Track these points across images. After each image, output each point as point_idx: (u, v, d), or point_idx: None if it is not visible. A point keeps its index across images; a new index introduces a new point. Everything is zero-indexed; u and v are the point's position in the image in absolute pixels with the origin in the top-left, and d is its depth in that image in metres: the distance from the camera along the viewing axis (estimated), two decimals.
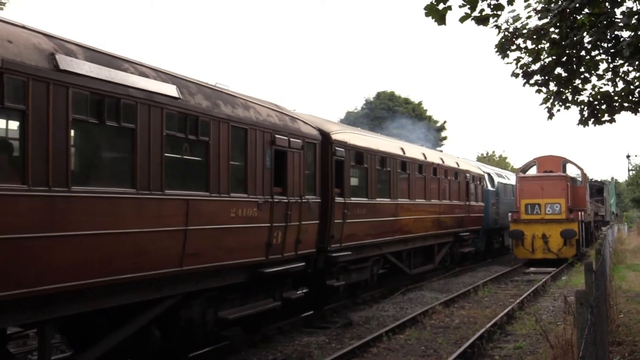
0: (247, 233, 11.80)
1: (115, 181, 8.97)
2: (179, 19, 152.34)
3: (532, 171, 32.50)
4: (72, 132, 8.24)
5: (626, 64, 10.92)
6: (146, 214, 9.31)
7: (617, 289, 17.89)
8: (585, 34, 10.49)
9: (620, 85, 11.70)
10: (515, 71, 11.74)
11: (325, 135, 15.36)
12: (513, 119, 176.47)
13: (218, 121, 10.99)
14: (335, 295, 16.96)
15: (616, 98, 11.73)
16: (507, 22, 11.07)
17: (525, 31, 11.06)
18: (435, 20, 9.30)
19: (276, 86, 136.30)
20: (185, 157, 10.49)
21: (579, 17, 10.47)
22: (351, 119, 54.02)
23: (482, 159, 71.75)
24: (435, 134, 57.46)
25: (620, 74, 11.55)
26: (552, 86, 11.73)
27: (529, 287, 21.60)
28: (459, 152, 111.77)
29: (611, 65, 11.34)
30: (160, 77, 10.08)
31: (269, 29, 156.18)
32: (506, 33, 11.16)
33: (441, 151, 29.46)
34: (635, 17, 9.80)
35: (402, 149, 20.41)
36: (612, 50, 10.64)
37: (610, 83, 11.75)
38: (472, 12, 9.79)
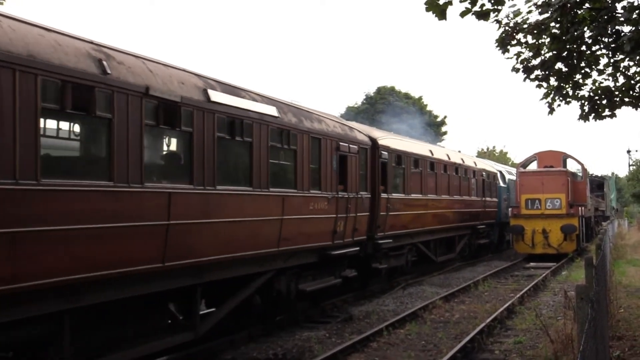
0: (319, 222, 14.67)
1: (240, 181, 11.80)
2: (179, 16, 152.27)
3: (533, 166, 32.50)
4: (217, 146, 10.86)
5: (627, 58, 10.92)
6: (258, 206, 12.13)
7: (618, 284, 17.92)
8: (585, 28, 10.47)
9: (621, 80, 11.69)
10: (515, 66, 11.72)
11: (373, 141, 18.11)
12: (513, 114, 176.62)
13: (302, 133, 13.83)
14: (377, 277, 19.73)
15: (617, 93, 11.71)
16: (507, 16, 11.04)
17: (525, 26, 11.04)
18: (435, 15, 9.28)
19: (277, 80, 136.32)
20: (281, 162, 13.26)
21: (579, 12, 10.46)
22: (351, 114, 54.00)
23: (482, 154, 71.77)
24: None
25: (620, 68, 11.53)
26: (553, 81, 11.71)
27: (529, 282, 21.62)
28: (459, 147, 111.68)
29: (612, 60, 11.33)
30: (265, 100, 12.89)
31: (270, 24, 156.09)
32: (507, 28, 11.14)
33: (459, 151, 31.33)
34: (636, 11, 9.78)
35: (431, 151, 23.47)
36: (612, 45, 10.63)
37: (610, 78, 11.74)
38: (472, 7, 9.79)
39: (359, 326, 14.81)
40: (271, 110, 12.72)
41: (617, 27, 10.30)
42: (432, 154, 23.29)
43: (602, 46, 10.94)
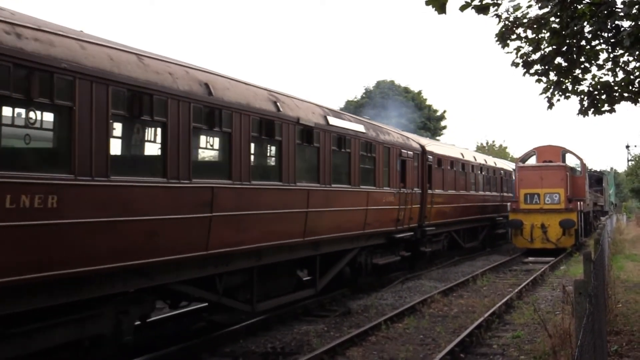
0: (388, 212, 18.83)
1: (344, 181, 15.91)
2: (179, 15, 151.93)
3: (532, 161, 32.49)
4: (332, 156, 15.15)
5: (626, 53, 10.90)
6: (354, 199, 16.37)
7: (616, 278, 17.93)
8: (585, 23, 10.45)
9: (620, 75, 11.68)
10: (515, 61, 11.70)
11: (422, 147, 22.52)
12: (513, 109, 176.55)
13: (379, 144, 18.02)
14: (422, 259, 23.62)
15: (616, 88, 11.70)
16: (507, 11, 11.02)
17: (525, 20, 11.02)
18: (435, 9, 9.25)
19: (278, 74, 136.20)
20: (366, 166, 17.25)
21: (579, 7, 10.44)
22: (351, 108, 53.96)
23: (481, 148, 71.72)
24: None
25: (620, 63, 11.52)
26: (552, 76, 11.69)
27: (528, 277, 21.66)
28: (458, 141, 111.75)
29: (611, 55, 11.31)
30: (355, 120, 17.55)
31: (270, 19, 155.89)
32: (506, 22, 11.12)
33: (476, 150, 34.53)
34: (636, 7, 9.77)
35: (462, 154, 28.18)
36: (612, 40, 10.61)
37: (610, 73, 11.73)
38: (472, 1, 9.75)
39: (357, 320, 14.84)
40: (360, 128, 17.05)
41: (616, 22, 10.28)
42: (463, 156, 27.95)
43: (601, 41, 10.92)
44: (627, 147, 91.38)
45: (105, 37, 9.51)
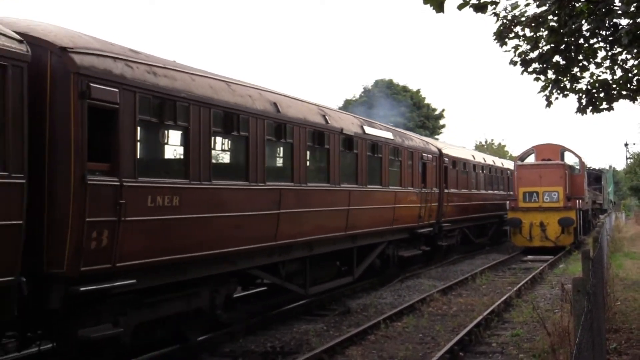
0: (412, 209, 21.11)
1: (377, 182, 18.09)
2: (179, 14, 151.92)
3: (530, 159, 32.51)
4: (368, 160, 17.44)
5: (624, 51, 10.91)
6: (384, 197, 18.65)
7: (615, 276, 17.95)
8: (583, 21, 10.45)
9: (619, 73, 11.68)
10: (513, 59, 11.70)
11: (439, 151, 24.68)
12: (511, 107, 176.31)
13: (404, 149, 20.28)
14: (439, 252, 25.44)
15: (614, 86, 11.70)
16: (505, 9, 11.03)
17: (523, 19, 11.03)
18: (433, 8, 9.23)
19: (276, 73, 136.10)
20: (394, 169, 19.48)
21: (577, 5, 10.44)
22: (349, 107, 53.94)
23: (480, 147, 71.73)
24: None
25: (618, 61, 11.52)
26: (551, 74, 11.69)
27: (527, 275, 21.67)
28: (457, 140, 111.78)
29: (609, 53, 11.31)
30: (385, 128, 20.12)
31: (268, 17, 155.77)
32: (504, 21, 11.13)
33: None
34: (634, 4, 9.76)
35: (473, 156, 30.70)
36: (610, 38, 10.62)
37: (608, 71, 11.73)
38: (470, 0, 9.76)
39: (356, 319, 14.84)
40: (389, 135, 19.43)
41: (614, 20, 10.30)
42: (474, 158, 30.30)
43: (599, 39, 10.93)
44: (626, 145, 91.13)
45: (203, 68, 11.84)
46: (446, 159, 25.06)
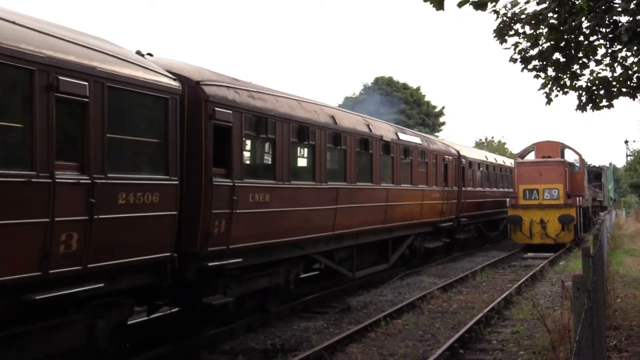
0: (436, 205, 23.60)
1: (408, 181, 20.67)
2: (178, 11, 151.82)
3: (531, 156, 32.52)
4: (401, 163, 19.91)
5: (624, 49, 10.90)
6: (415, 194, 21.19)
7: (615, 274, 17.95)
8: (583, 19, 10.45)
9: (619, 70, 11.67)
10: (513, 56, 11.69)
11: (458, 152, 27.19)
12: (511, 105, 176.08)
13: (429, 152, 22.92)
14: (456, 245, 28.02)
15: (614, 83, 11.69)
16: (505, 7, 11.02)
17: (523, 16, 11.02)
18: (433, 6, 9.24)
19: (276, 71, 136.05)
20: (420, 170, 21.90)
21: (577, 2, 10.44)
22: (349, 105, 53.91)
23: (480, 144, 71.70)
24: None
25: (618, 59, 11.51)
26: (551, 71, 11.69)
27: (527, 272, 21.67)
28: (457, 138, 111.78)
29: (609, 51, 11.31)
30: (414, 134, 23.29)
31: (268, 15, 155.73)
32: (504, 18, 11.12)
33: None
34: (634, 2, 9.76)
35: (486, 157, 33.68)
36: (610, 36, 10.62)
37: (608, 68, 11.72)
38: None
39: (356, 316, 14.85)
40: (418, 140, 22.14)
41: (614, 18, 10.29)
42: (487, 159, 33.03)
43: (599, 36, 10.93)
44: (626, 142, 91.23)
45: (282, 89, 14.83)
46: (463, 160, 27.64)
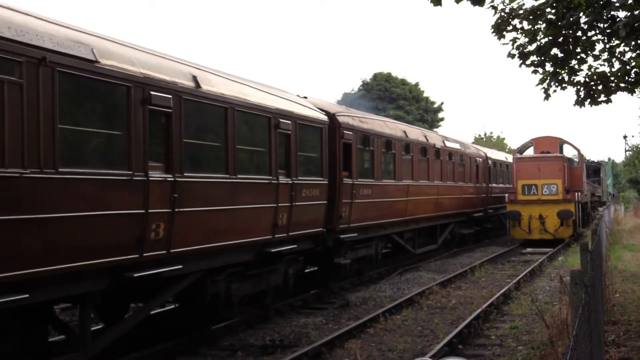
0: (471, 199, 28.87)
1: (450, 180, 25.40)
2: (178, 9, 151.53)
3: (529, 152, 32.49)
4: (447, 164, 25.37)
5: (622, 44, 10.88)
6: (455, 190, 26.21)
7: (613, 269, 17.97)
8: (581, 14, 10.44)
9: (617, 65, 11.64)
10: (511, 52, 11.68)
11: (485, 155, 32.36)
12: (510, 100, 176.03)
13: (466, 155, 27.78)
14: (485, 233, 33.02)
15: (612, 78, 11.67)
16: (503, 2, 11.02)
17: (521, 12, 11.01)
18: (431, 1, 9.27)
19: (274, 67, 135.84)
20: (460, 170, 26.86)
21: None
22: (348, 101, 53.89)
23: (479, 140, 71.68)
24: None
25: (616, 54, 11.48)
26: (549, 67, 11.67)
27: (526, 268, 21.71)
28: (456, 133, 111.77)
29: (607, 46, 11.28)
30: (454, 140, 27.45)
31: (266, 11, 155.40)
32: (502, 14, 11.11)
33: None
34: None
35: (506, 157, 38.32)
36: (608, 31, 10.60)
37: (606, 63, 11.68)
38: None
39: (355, 312, 14.87)
40: (458, 146, 27.19)
41: (612, 13, 10.28)
42: (507, 159, 37.39)
43: (597, 32, 10.91)
44: (625, 137, 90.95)
45: (376, 115, 22.39)
46: (489, 160, 32.73)
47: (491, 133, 78.53)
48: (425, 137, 23.33)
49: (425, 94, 61.28)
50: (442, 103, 63.02)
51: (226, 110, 11.34)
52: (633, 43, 10.28)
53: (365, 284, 18.63)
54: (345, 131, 16.45)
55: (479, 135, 76.07)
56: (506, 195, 31.24)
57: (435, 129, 55.24)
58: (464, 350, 11.60)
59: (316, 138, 15.11)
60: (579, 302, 5.59)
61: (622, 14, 10.24)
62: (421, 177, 22.17)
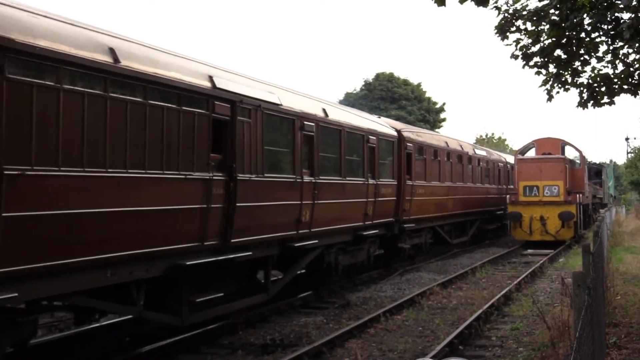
0: (495, 198, 33.11)
1: (478, 182, 30.52)
2: (178, 7, 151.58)
3: (531, 153, 32.47)
4: (475, 169, 30.09)
5: (626, 46, 10.87)
6: (482, 190, 30.81)
7: (615, 271, 17.94)
8: (585, 15, 10.43)
9: (620, 67, 11.62)
10: (514, 53, 11.67)
11: (506, 160, 36.84)
12: (512, 101, 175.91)
13: (491, 161, 33.12)
14: (503, 228, 35.01)
15: (615, 80, 11.65)
16: (506, 3, 11.01)
17: (525, 12, 11.01)
18: (434, 1, 9.25)
19: (276, 66, 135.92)
20: (485, 174, 31.67)
21: None
22: (350, 100, 53.84)
23: (481, 141, 71.63)
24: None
25: (620, 56, 11.47)
26: (552, 68, 11.66)
27: (527, 269, 21.68)
28: (458, 134, 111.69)
29: (611, 47, 11.27)
30: (481, 148, 35.13)
31: (268, 11, 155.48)
32: (506, 14, 11.10)
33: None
34: None
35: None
36: (612, 32, 10.59)
37: (609, 65, 11.67)
38: None
39: (356, 312, 14.85)
40: (484, 153, 31.98)
41: (616, 14, 10.26)
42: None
43: (601, 33, 10.90)
44: (627, 139, 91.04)
45: (420, 128, 28.91)
46: (509, 164, 36.38)
47: (492, 134, 78.52)
48: (461, 146, 27.84)
49: (427, 95, 61.20)
50: (444, 104, 62.92)
51: (340, 132, 16.03)
52: (637, 45, 10.26)
53: (366, 284, 18.60)
54: (407, 143, 20.99)
55: (480, 136, 76.01)
56: (507, 196, 31.23)
57: (437, 130, 55.21)
58: (465, 351, 11.58)
59: (389, 149, 19.58)
60: (581, 304, 5.57)
61: (626, 15, 10.23)
62: (457, 180, 26.48)
